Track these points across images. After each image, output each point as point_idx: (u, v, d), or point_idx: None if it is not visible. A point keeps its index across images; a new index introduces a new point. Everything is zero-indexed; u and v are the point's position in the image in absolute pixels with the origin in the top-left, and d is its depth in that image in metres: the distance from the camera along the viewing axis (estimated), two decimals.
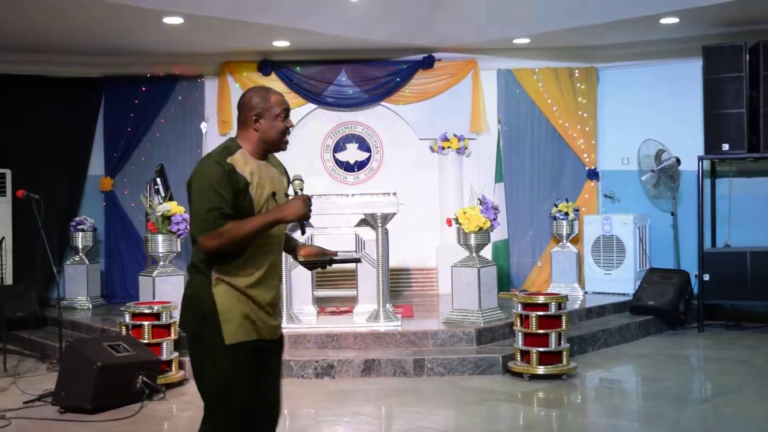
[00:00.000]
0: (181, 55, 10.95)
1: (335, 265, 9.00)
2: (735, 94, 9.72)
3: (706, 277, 9.84)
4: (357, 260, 4.17)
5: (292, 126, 3.94)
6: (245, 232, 3.61)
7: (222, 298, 3.68)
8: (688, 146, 10.45)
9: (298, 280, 8.67)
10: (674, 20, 9.65)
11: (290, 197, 3.84)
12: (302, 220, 3.73)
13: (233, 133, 11.80)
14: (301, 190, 3.83)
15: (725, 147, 9.76)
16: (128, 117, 11.21)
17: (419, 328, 8.46)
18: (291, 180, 3.93)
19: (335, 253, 4.03)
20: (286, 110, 3.88)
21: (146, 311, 7.53)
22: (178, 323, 4.04)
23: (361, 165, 11.46)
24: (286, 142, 3.92)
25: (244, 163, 3.74)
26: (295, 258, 4.07)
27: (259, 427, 3.89)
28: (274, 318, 3.87)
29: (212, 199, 3.59)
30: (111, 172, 11.27)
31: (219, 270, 3.69)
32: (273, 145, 3.88)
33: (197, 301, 3.71)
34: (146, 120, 11.26)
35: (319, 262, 3.95)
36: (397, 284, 11.10)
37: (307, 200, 3.73)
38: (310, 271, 4.09)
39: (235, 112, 11.07)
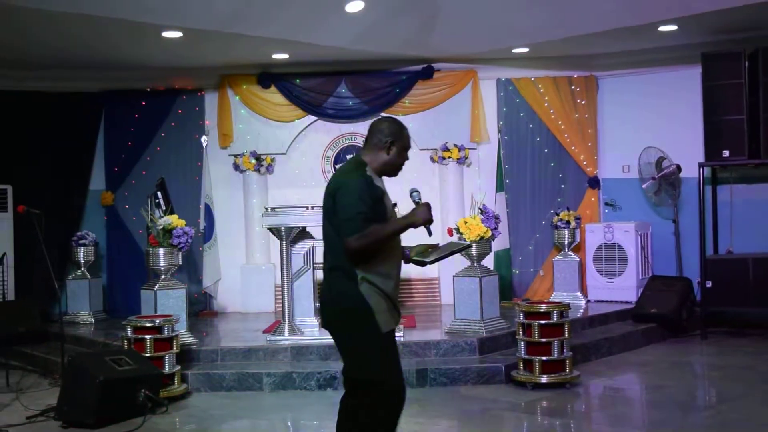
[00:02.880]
0: (181, 69, 10.97)
1: None
2: (734, 100, 9.73)
3: (709, 284, 9.82)
4: (468, 246, 4.54)
5: (407, 160, 4.53)
6: (385, 233, 4.20)
7: (369, 294, 4.22)
8: (688, 153, 10.47)
9: (299, 292, 8.67)
10: (672, 28, 9.66)
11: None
12: (428, 225, 4.33)
13: (234, 146, 11.83)
14: (420, 199, 4.45)
15: (726, 153, 9.77)
16: (129, 131, 11.24)
17: (422, 338, 8.45)
18: (410, 193, 4.49)
19: (437, 246, 4.64)
20: (409, 147, 4.53)
21: (148, 325, 7.52)
22: (321, 322, 4.47)
23: None
24: (400, 171, 4.49)
25: (374, 177, 4.32)
26: (408, 260, 4.59)
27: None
28: (397, 310, 4.43)
29: (358, 205, 4.15)
30: (112, 186, 11.28)
31: (362, 270, 4.21)
32: (392, 170, 4.46)
33: (348, 298, 4.23)
34: (147, 134, 11.27)
35: (442, 257, 4.52)
36: (400, 295, 11.04)
37: (430, 207, 4.34)
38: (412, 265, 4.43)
39: (235, 125, 11.35)
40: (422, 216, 4.29)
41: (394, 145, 4.39)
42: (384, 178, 4.46)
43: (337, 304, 4.31)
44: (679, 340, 9.88)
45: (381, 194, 4.29)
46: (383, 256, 4.27)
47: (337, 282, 4.29)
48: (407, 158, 4.50)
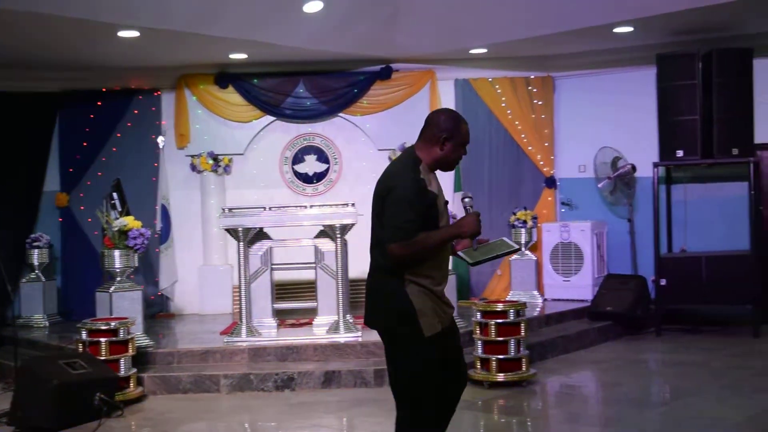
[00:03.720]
0: (137, 69, 10.87)
1: (293, 277, 8.90)
2: (688, 101, 9.86)
3: (663, 282, 9.94)
4: (517, 249, 4.49)
5: (465, 154, 4.35)
6: (431, 244, 4.09)
7: (416, 297, 4.12)
8: (643, 153, 10.60)
9: (257, 293, 8.62)
10: (628, 29, 9.76)
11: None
12: (475, 236, 4.18)
13: (191, 146, 11.69)
14: (471, 207, 4.24)
15: (680, 153, 9.90)
16: (84, 132, 11.09)
17: (379, 338, 8.42)
18: (462, 198, 4.30)
19: (488, 241, 4.38)
20: (468, 142, 4.32)
21: (103, 327, 7.44)
22: (365, 319, 4.40)
23: (320, 176, 11.44)
24: (456, 166, 4.37)
25: (429, 179, 4.17)
26: (454, 254, 4.40)
27: (451, 394, 4.39)
28: (449, 308, 4.31)
29: (409, 212, 4.02)
30: (67, 187, 11.12)
31: (409, 272, 4.12)
32: (447, 166, 4.31)
33: (393, 301, 4.15)
34: (102, 135, 11.12)
35: (487, 260, 4.33)
36: (358, 295, 11.04)
37: (479, 216, 4.18)
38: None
39: (192, 125, 11.22)
40: (469, 228, 4.13)
41: (449, 141, 4.20)
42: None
43: (382, 303, 4.24)
44: (634, 337, 10.00)
45: (433, 198, 4.14)
46: (431, 262, 4.17)
47: (384, 281, 4.21)
48: (465, 153, 4.33)
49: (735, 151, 9.78)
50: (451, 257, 4.51)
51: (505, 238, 4.44)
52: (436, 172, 4.32)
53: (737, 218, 10.39)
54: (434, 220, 4.15)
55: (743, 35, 9.97)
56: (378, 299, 4.27)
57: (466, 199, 4.32)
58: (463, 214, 4.26)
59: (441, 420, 4.37)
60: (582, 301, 10.61)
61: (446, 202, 4.31)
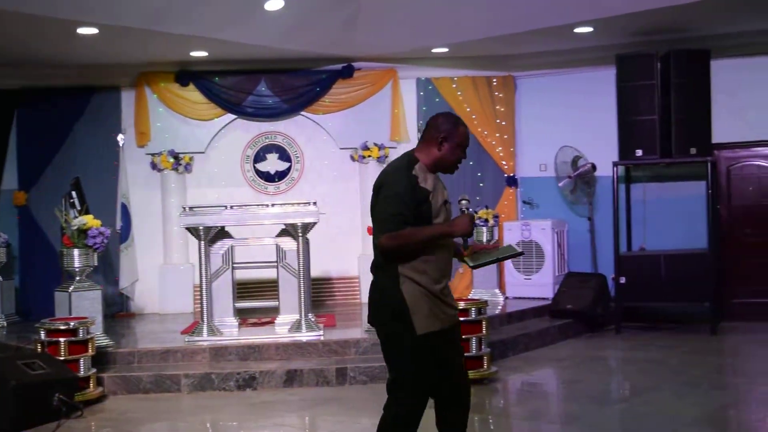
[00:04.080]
0: (97, 66, 10.74)
1: (254, 275, 8.92)
2: (647, 101, 9.98)
3: (623, 280, 10.05)
4: (520, 253, 4.58)
5: (464, 158, 4.42)
6: (418, 238, 4.14)
7: (410, 295, 4.16)
8: (603, 152, 10.69)
9: (219, 292, 8.59)
10: (588, 29, 9.84)
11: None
12: (466, 236, 4.29)
13: (152, 144, 11.58)
14: (468, 209, 4.36)
15: (639, 153, 10.01)
16: (43, 129, 10.96)
17: (341, 337, 8.46)
18: (459, 199, 4.43)
19: (496, 246, 4.64)
20: (467, 144, 4.40)
21: (62, 327, 7.35)
22: (368, 319, 4.43)
23: (281, 175, 11.41)
24: (456, 169, 4.41)
25: (424, 177, 4.24)
26: (461, 259, 4.50)
27: (455, 390, 4.38)
28: (450, 308, 4.34)
29: (398, 205, 4.11)
30: (25, 186, 10.99)
31: (404, 269, 4.17)
32: (445, 167, 4.37)
33: (387, 298, 4.21)
34: (61, 133, 11.00)
35: (489, 263, 4.51)
36: (320, 294, 11.08)
37: (473, 218, 4.28)
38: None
39: (153, 123, 11.12)
40: (460, 228, 4.20)
41: (446, 142, 4.29)
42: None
43: (378, 300, 4.28)
44: (594, 335, 10.09)
45: (426, 195, 4.18)
46: (426, 257, 4.20)
47: (381, 277, 4.26)
48: (464, 156, 4.39)
49: (693, 151, 9.91)
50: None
51: (511, 244, 4.52)
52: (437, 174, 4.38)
53: (695, 217, 10.54)
54: (427, 216, 4.19)
55: (701, 36, 10.10)
56: (375, 296, 4.32)
57: (464, 201, 4.41)
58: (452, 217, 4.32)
59: (440, 420, 4.42)
60: (543, 299, 10.69)
61: (446, 202, 4.32)
